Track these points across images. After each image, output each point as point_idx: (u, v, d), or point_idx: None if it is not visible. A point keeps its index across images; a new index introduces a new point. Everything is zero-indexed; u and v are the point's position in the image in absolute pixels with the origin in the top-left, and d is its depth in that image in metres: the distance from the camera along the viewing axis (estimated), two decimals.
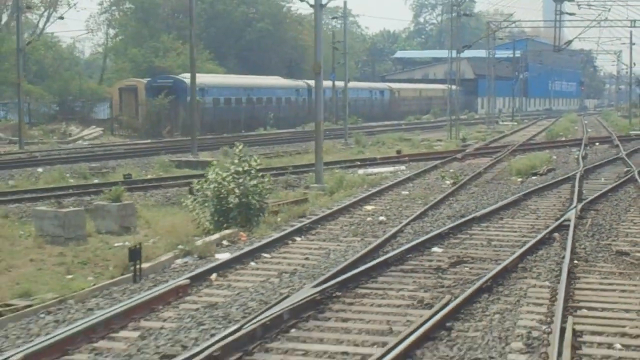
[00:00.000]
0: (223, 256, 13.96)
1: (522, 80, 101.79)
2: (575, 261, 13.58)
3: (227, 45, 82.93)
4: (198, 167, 32.73)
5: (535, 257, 13.93)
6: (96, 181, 27.26)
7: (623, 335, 9.64)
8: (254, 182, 17.44)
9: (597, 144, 43.52)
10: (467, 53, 63.56)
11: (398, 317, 10.36)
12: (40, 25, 73.13)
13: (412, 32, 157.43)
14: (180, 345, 9.09)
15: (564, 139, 48.54)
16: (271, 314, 9.76)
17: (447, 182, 25.30)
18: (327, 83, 62.00)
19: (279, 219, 18.00)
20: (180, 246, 14.54)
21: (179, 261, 13.97)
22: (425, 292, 11.62)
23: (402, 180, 25.56)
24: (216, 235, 15.86)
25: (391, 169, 29.97)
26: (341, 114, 56.93)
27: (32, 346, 8.57)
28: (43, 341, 8.77)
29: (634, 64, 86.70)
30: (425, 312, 10.44)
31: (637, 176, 25.23)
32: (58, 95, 61.37)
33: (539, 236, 15.46)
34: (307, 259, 13.98)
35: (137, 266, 12.59)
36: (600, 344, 9.33)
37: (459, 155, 34.48)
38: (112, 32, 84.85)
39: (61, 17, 56.48)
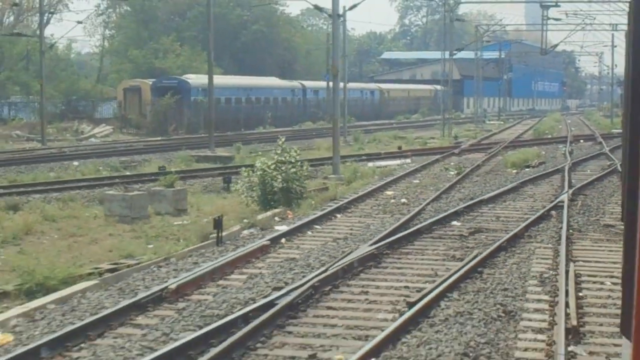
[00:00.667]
0: (282, 228, 16.95)
1: (507, 81, 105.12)
2: (571, 230, 16.69)
3: (223, 47, 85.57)
4: (217, 161, 35.50)
5: (538, 228, 17.04)
6: (127, 173, 30.20)
7: (611, 277, 12.70)
8: (294, 169, 20.50)
9: (581, 141, 46.41)
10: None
11: (438, 266, 13.42)
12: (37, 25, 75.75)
13: (398, 33, 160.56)
14: (283, 282, 12.09)
15: (550, 136, 51.53)
16: (345, 262, 12.80)
17: (452, 172, 28.41)
18: (322, 84, 64.97)
19: (313, 202, 21.03)
20: (245, 220, 17.56)
21: (245, 232, 16.95)
22: (455, 251, 14.70)
23: (410, 172, 28.62)
24: (268, 213, 18.89)
25: (397, 162, 33.05)
26: None
27: (179, 279, 11.57)
28: (185, 277, 11.77)
29: (616, 65, 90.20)
30: (458, 263, 13.49)
31: (619, 168, 28.36)
32: (64, 95, 64.33)
33: (539, 213, 18.57)
34: (351, 230, 17.01)
35: (220, 233, 15.56)
36: (594, 282, 12.42)
37: (456, 151, 37.60)
38: (108, 33, 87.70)
39: (79, 22, 58.85)
